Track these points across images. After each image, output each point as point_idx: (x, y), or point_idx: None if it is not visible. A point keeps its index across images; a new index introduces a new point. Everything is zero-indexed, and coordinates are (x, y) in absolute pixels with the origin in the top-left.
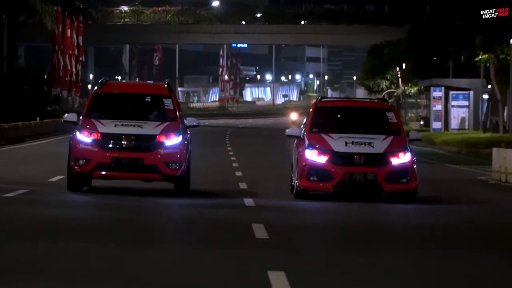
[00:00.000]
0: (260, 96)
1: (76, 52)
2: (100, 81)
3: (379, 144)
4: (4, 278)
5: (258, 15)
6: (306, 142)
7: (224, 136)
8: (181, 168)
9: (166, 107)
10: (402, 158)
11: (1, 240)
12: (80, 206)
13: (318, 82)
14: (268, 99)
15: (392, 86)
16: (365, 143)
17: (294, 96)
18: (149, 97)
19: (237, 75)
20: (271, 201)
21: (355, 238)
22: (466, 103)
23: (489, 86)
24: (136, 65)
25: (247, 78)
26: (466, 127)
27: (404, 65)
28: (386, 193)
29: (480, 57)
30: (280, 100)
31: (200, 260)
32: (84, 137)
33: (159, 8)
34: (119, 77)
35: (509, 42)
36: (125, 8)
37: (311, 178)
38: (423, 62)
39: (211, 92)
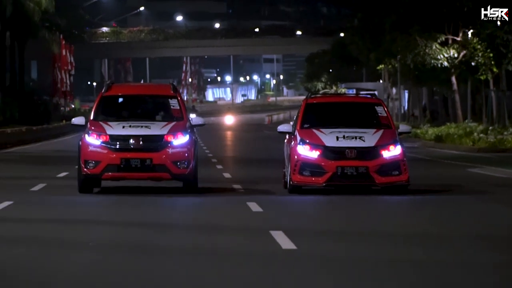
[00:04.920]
0: (221, 96)
1: (69, 67)
2: (106, 83)
3: (370, 137)
4: None
5: (217, 25)
6: (298, 137)
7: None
8: (189, 166)
9: (172, 107)
10: (393, 151)
11: None
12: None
13: (274, 81)
14: (228, 99)
15: (327, 87)
16: (356, 137)
17: (252, 95)
18: (155, 98)
19: (199, 78)
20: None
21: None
22: None
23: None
24: (113, 74)
25: (209, 80)
26: None
27: (331, 71)
28: (378, 185)
29: (379, 66)
30: (239, 99)
31: None
32: (93, 140)
33: (135, 28)
34: (95, 83)
35: (396, 57)
36: (106, 29)
37: (303, 173)
38: (342, 70)
39: None
